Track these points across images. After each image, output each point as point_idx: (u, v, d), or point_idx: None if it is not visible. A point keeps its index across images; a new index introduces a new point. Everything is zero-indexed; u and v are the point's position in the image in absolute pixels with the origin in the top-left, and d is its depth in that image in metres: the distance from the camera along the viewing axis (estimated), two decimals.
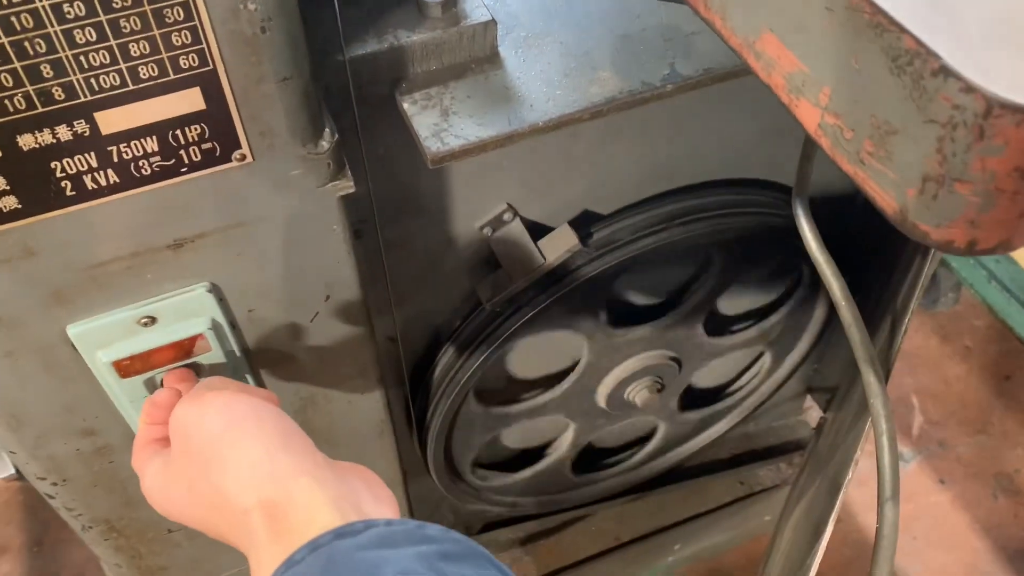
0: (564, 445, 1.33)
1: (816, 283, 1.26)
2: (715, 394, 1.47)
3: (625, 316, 1.15)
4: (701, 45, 0.82)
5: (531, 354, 1.17)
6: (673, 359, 1.23)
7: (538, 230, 1.00)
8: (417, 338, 1.10)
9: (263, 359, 0.83)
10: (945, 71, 0.36)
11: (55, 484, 0.84)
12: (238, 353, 0.79)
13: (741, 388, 1.45)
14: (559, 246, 0.98)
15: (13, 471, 1.55)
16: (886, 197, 0.43)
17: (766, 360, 1.40)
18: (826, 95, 0.45)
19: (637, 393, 1.22)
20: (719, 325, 1.29)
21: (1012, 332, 1.88)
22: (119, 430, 0.82)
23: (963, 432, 1.99)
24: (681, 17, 0.83)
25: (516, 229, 0.98)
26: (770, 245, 1.13)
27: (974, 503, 1.87)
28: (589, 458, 1.47)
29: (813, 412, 1.73)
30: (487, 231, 0.98)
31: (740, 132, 1.05)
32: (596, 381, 1.21)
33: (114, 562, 0.98)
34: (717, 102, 0.99)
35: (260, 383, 0.84)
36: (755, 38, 0.48)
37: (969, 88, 0.36)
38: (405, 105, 0.76)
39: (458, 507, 1.49)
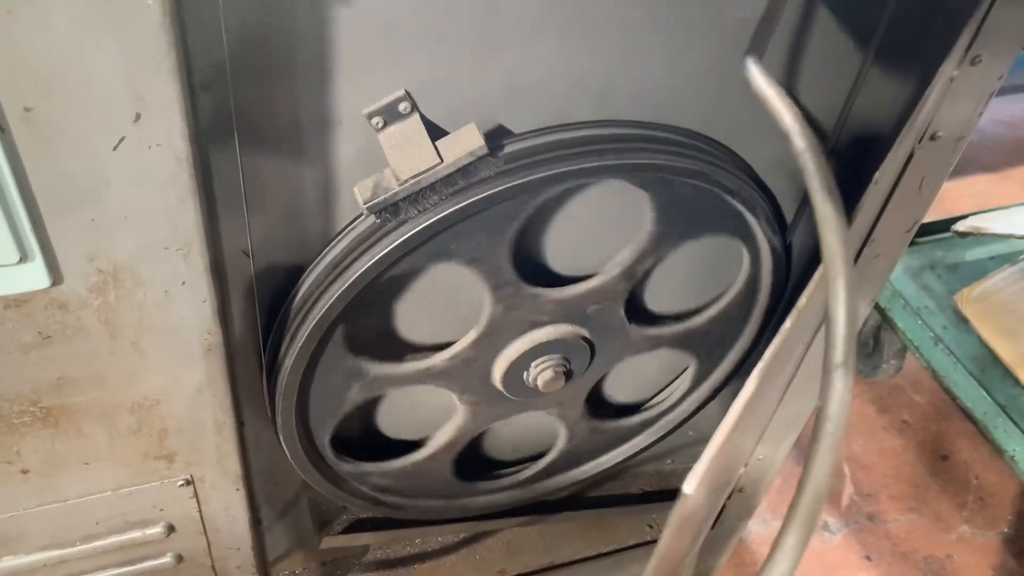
0: (448, 434, 1.12)
1: (755, 288, 1.10)
2: (629, 410, 1.29)
3: (536, 277, 0.98)
4: None
5: (422, 304, 0.98)
6: (585, 340, 1.05)
7: (439, 136, 0.83)
8: (277, 254, 0.90)
9: (46, 193, 0.63)
10: None
11: None
12: (6, 171, 0.59)
13: (659, 403, 1.28)
14: (461, 147, 0.81)
15: None
16: None
17: (690, 372, 1.22)
18: None
19: (540, 373, 1.04)
20: (645, 317, 1.12)
21: (955, 400, 1.75)
22: None
23: (895, 508, 1.83)
24: None
25: (412, 124, 0.81)
26: (712, 212, 0.97)
27: None
28: (478, 465, 1.27)
29: None
30: (377, 122, 0.80)
31: (698, 78, 0.90)
32: (496, 349, 1.02)
33: None
34: (678, 31, 0.84)
35: (38, 228, 0.64)
36: None
37: None
38: None
39: (318, 503, 1.27)
